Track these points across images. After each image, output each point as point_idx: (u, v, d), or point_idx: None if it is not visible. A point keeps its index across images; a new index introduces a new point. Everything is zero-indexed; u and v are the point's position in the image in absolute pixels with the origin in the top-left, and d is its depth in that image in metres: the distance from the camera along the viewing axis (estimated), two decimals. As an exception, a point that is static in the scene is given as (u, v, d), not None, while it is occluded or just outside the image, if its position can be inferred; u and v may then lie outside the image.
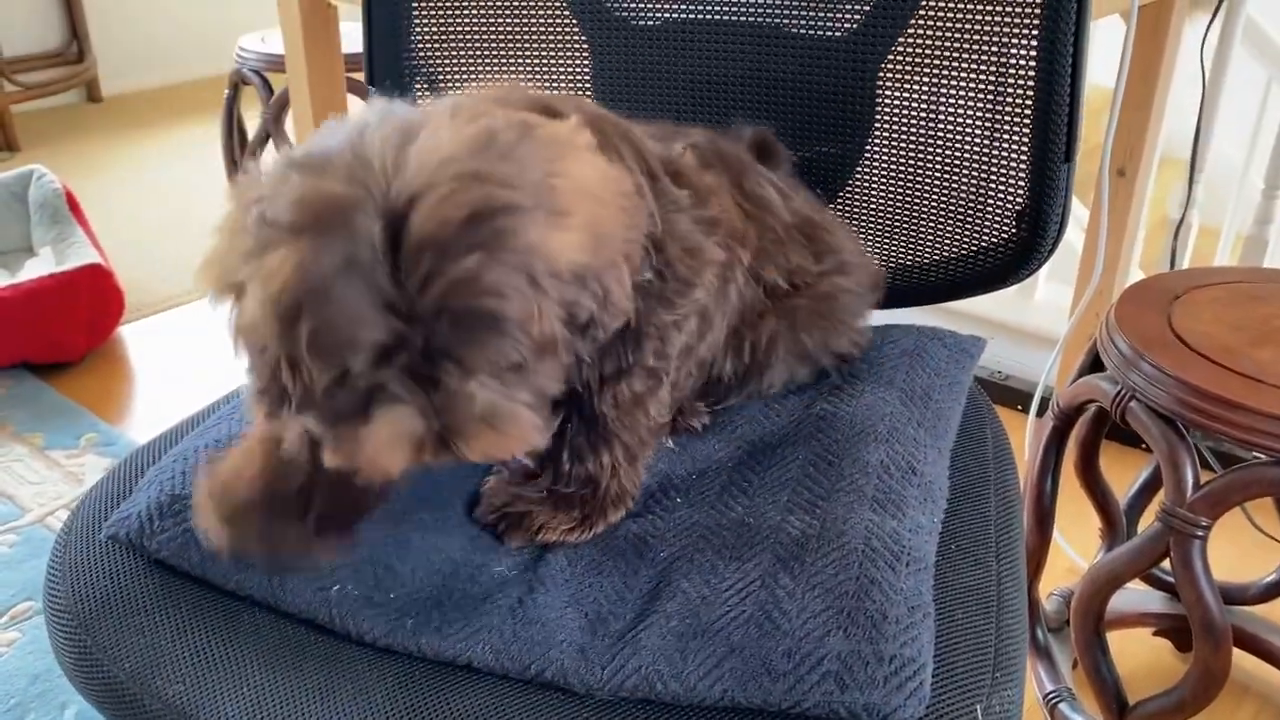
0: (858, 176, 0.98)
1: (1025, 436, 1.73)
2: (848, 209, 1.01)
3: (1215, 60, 1.79)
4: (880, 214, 0.99)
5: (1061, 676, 1.36)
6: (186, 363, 2.29)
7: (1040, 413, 1.55)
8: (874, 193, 0.98)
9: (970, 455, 0.85)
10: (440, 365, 0.56)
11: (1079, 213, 2.21)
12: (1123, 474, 1.45)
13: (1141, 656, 1.49)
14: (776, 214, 0.84)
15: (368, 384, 0.57)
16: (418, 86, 1.13)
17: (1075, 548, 1.64)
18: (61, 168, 2.66)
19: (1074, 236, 2.21)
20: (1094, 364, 1.25)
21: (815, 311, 0.86)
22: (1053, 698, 1.32)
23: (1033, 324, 2.10)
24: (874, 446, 0.78)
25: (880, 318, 0.95)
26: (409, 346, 0.55)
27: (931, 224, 0.96)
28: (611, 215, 0.64)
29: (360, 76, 2.25)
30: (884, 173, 0.97)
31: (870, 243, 1.00)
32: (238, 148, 2.50)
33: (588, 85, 1.06)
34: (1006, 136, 0.88)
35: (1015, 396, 2.05)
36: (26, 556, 1.69)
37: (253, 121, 2.43)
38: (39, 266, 2.28)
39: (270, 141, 2.37)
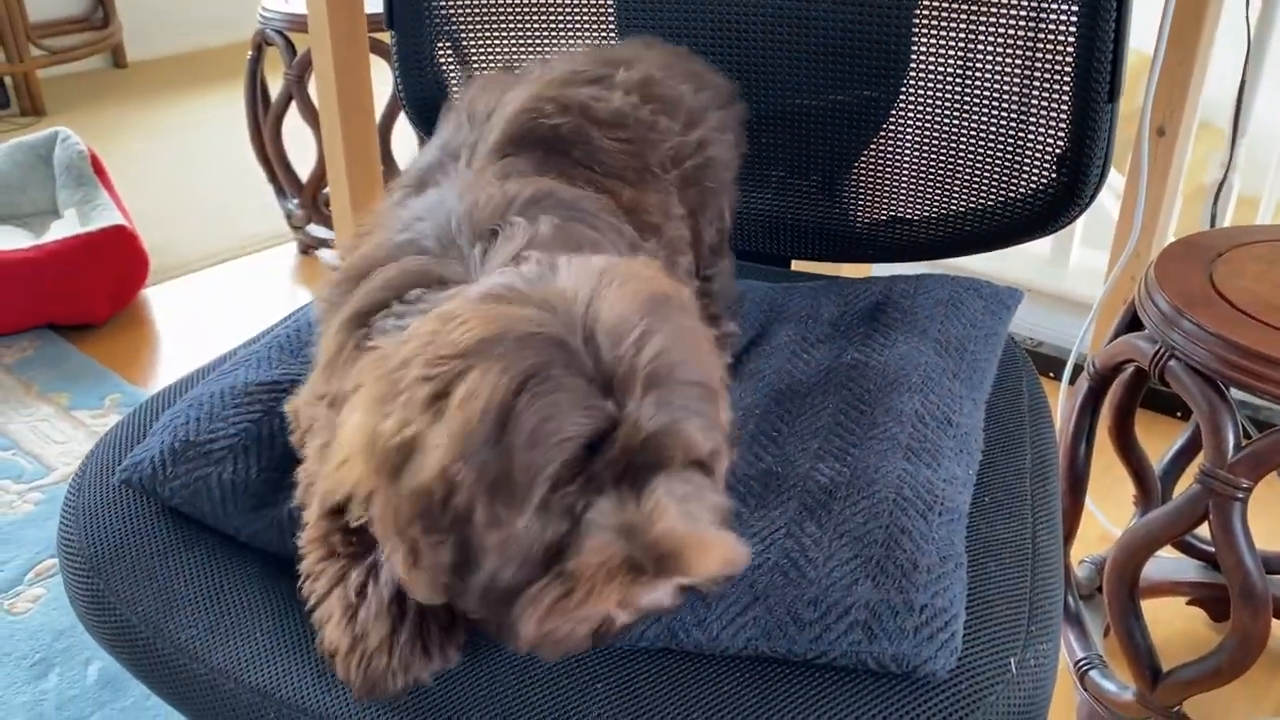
0: (892, 122, 0.95)
1: (1058, 404, 1.70)
2: (881, 157, 0.98)
3: (1260, 18, 1.73)
4: (915, 161, 0.96)
5: (1093, 644, 1.33)
6: (210, 326, 2.29)
7: (1073, 380, 1.51)
8: (908, 139, 0.95)
9: (1006, 408, 0.82)
10: (645, 457, 0.53)
11: (1113, 180, 2.16)
12: (1156, 443, 1.42)
13: (1175, 625, 1.46)
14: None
15: (568, 506, 0.53)
16: (440, 49, 1.10)
17: (1108, 517, 1.60)
18: (87, 133, 2.66)
19: (1109, 203, 2.16)
20: (1131, 324, 1.22)
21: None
22: (1083, 665, 1.30)
23: (1066, 289, 2.06)
24: (908, 396, 0.75)
25: (914, 270, 0.92)
26: (621, 430, 0.52)
27: (968, 171, 0.93)
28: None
29: (383, 36, 2.22)
30: (919, 118, 0.94)
31: (905, 192, 0.97)
32: (261, 110, 2.48)
33: (612, 30, 1.03)
34: (1047, 76, 0.84)
35: (1047, 363, 2.01)
36: (52, 514, 1.70)
37: (276, 84, 2.42)
38: (63, 228, 2.28)
39: (293, 103, 2.35)
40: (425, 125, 1.13)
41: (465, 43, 1.09)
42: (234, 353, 0.88)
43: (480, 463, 0.52)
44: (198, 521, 0.71)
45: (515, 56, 1.08)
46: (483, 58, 1.09)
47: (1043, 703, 0.60)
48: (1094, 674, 1.28)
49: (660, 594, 0.53)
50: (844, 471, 0.69)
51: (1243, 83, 1.74)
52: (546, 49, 1.07)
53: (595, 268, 0.56)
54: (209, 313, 2.34)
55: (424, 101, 1.12)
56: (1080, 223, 2.12)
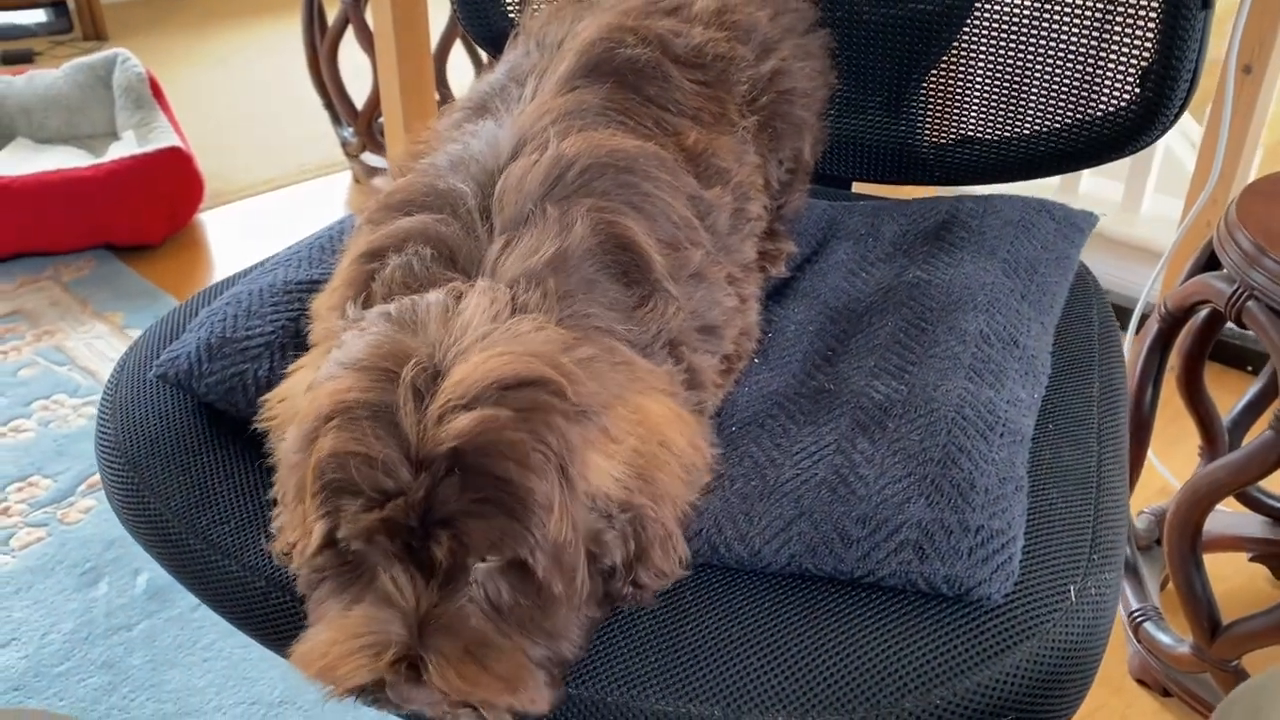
0: (965, 35, 0.90)
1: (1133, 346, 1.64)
2: (951, 72, 0.93)
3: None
4: (988, 78, 0.91)
5: (1149, 595, 1.29)
6: (264, 251, 2.29)
7: (1139, 330, 1.46)
8: (982, 53, 0.90)
9: (1075, 334, 0.78)
10: (434, 535, 0.49)
11: (1189, 128, 2.07)
12: (1224, 397, 1.36)
13: (1234, 581, 1.41)
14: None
15: (356, 555, 0.51)
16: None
17: (1171, 470, 1.55)
18: (147, 58, 2.67)
19: (1184, 153, 2.08)
20: (1207, 265, 1.16)
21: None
22: (1138, 616, 1.26)
23: (1137, 237, 1.99)
24: (972, 315, 0.72)
25: (985, 192, 0.87)
26: (409, 500, 0.49)
27: (1044, 87, 0.88)
28: (672, 467, 0.58)
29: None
30: (994, 30, 0.89)
31: (976, 111, 0.93)
32: (318, 35, 2.46)
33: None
34: (1136, -19, 0.79)
35: (1114, 313, 1.94)
36: (104, 429, 1.72)
37: (334, 10, 2.40)
38: (121, 150, 2.30)
39: (350, 28, 2.33)
40: (487, 46, 1.10)
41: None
42: (274, 255, 0.87)
43: (296, 461, 0.53)
44: (232, 418, 0.70)
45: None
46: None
47: (1103, 634, 0.57)
48: (1149, 626, 1.25)
49: (420, 696, 0.50)
50: (901, 389, 0.66)
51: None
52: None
53: (495, 333, 0.53)
54: (263, 238, 2.35)
55: (482, 26, 1.08)
56: (1155, 169, 2.04)
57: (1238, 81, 1.62)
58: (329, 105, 2.55)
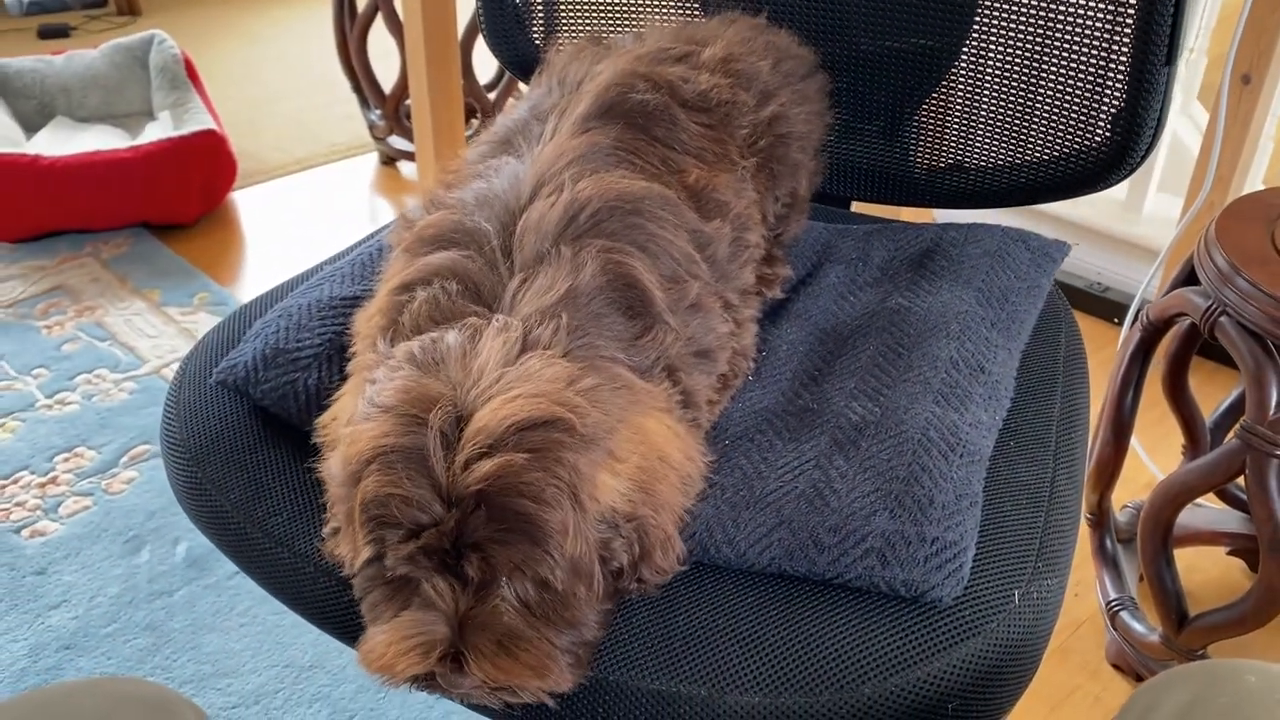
0: (956, 72, 0.97)
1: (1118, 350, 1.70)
2: (943, 105, 1.00)
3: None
4: (976, 111, 0.98)
5: (1126, 586, 1.37)
6: (295, 229, 2.38)
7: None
8: (971, 89, 0.97)
9: (1041, 357, 0.86)
10: (467, 557, 0.57)
11: (1202, 121, 2.11)
12: (1215, 393, 1.42)
13: (1211, 573, 1.49)
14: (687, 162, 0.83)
15: (398, 572, 0.59)
16: (535, 26, 1.13)
17: (1160, 466, 1.62)
18: (179, 34, 2.74)
19: (1193, 145, 2.12)
20: (1189, 277, 1.23)
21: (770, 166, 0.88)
22: (1115, 606, 1.34)
23: (1139, 236, 2.04)
24: (945, 343, 0.79)
25: (970, 218, 0.95)
26: (442, 530, 0.56)
27: (1026, 123, 0.95)
28: (670, 479, 0.65)
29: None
30: (982, 69, 0.96)
31: (965, 140, 1.00)
32: (348, 21, 2.53)
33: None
34: (1107, 34, 0.86)
35: (1112, 309, 2.01)
36: (145, 403, 1.81)
37: (363, -5, 2.46)
38: (158, 130, 2.38)
39: (379, 15, 2.40)
40: (513, 69, 1.17)
41: (557, 11, 1.12)
42: (320, 268, 0.95)
43: (343, 494, 0.61)
44: (284, 421, 0.79)
45: (602, 28, 1.12)
46: (570, 27, 1.12)
47: (1043, 634, 0.65)
48: (1124, 615, 1.33)
49: (465, 683, 0.58)
50: (875, 411, 0.74)
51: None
52: (632, 22, 1.10)
53: (508, 374, 0.60)
54: (293, 218, 2.43)
55: (510, 51, 1.15)
56: (1158, 169, 2.09)
57: (1236, 90, 1.67)
58: (357, 89, 2.62)
